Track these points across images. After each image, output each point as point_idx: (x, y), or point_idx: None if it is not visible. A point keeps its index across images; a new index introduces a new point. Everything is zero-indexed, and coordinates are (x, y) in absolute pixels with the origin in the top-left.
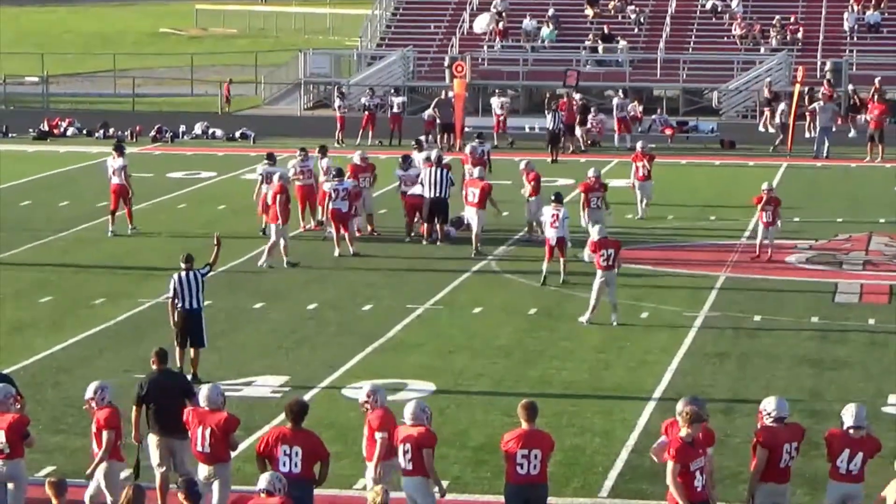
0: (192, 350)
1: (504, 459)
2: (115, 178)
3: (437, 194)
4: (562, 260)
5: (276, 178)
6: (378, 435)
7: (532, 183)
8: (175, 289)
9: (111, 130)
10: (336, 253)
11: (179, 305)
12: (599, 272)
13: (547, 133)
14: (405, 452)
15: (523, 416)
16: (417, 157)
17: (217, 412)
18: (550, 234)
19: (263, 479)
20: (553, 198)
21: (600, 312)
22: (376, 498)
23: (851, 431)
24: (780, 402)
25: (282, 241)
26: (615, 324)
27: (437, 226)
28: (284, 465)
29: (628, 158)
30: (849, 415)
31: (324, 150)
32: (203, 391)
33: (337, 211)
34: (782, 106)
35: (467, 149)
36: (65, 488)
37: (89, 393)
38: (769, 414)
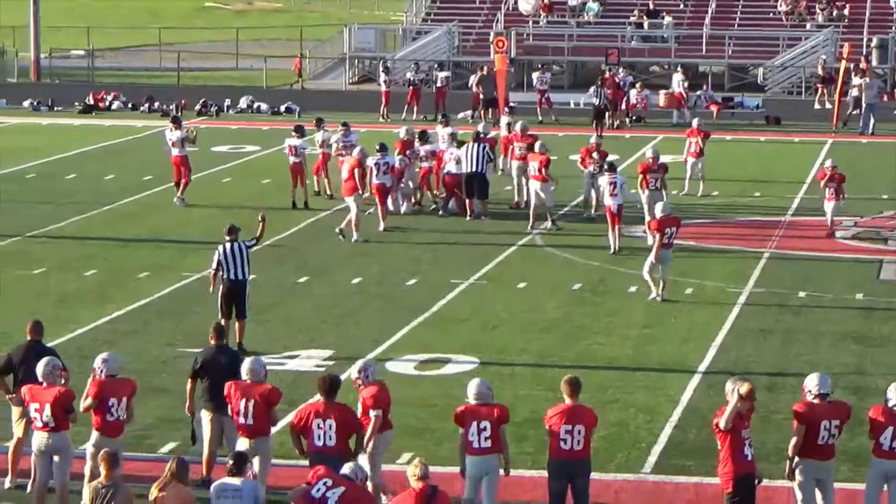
0: (237, 321)
1: (547, 435)
2: (174, 150)
3: (475, 169)
4: (617, 228)
5: (355, 151)
6: (373, 413)
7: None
8: (220, 260)
9: (156, 104)
10: (381, 227)
11: (224, 276)
12: (654, 250)
13: (592, 109)
14: (481, 430)
15: (566, 392)
16: (441, 131)
17: (260, 385)
18: (610, 203)
19: (347, 467)
20: (607, 167)
21: (644, 288)
22: (416, 470)
23: (894, 408)
24: (822, 378)
25: (355, 216)
26: (660, 299)
27: (477, 202)
28: (319, 438)
29: (675, 134)
30: (893, 391)
31: (319, 123)
32: (246, 363)
33: (381, 185)
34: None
35: (517, 126)
36: (117, 461)
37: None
38: (810, 391)
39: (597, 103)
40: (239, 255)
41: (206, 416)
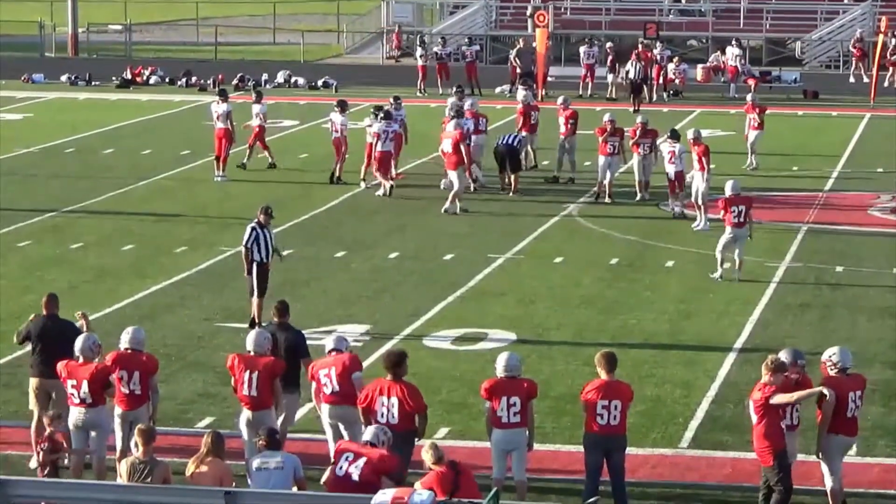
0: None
1: (584, 410)
2: (219, 123)
3: (507, 143)
4: (680, 195)
5: (452, 125)
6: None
7: (568, 122)
8: (253, 240)
9: (194, 79)
10: (380, 192)
11: (256, 258)
12: (728, 229)
13: (629, 83)
14: (510, 405)
15: (602, 367)
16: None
17: (263, 357)
18: (669, 169)
19: (369, 432)
20: (669, 134)
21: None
22: (430, 457)
23: None
24: (843, 352)
25: (457, 187)
26: (739, 279)
27: (509, 175)
28: (382, 416)
29: (713, 107)
30: None
31: (259, 95)
32: (251, 336)
33: (386, 153)
34: None
35: (559, 100)
36: (153, 436)
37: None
38: (834, 364)
39: (633, 77)
40: (269, 239)
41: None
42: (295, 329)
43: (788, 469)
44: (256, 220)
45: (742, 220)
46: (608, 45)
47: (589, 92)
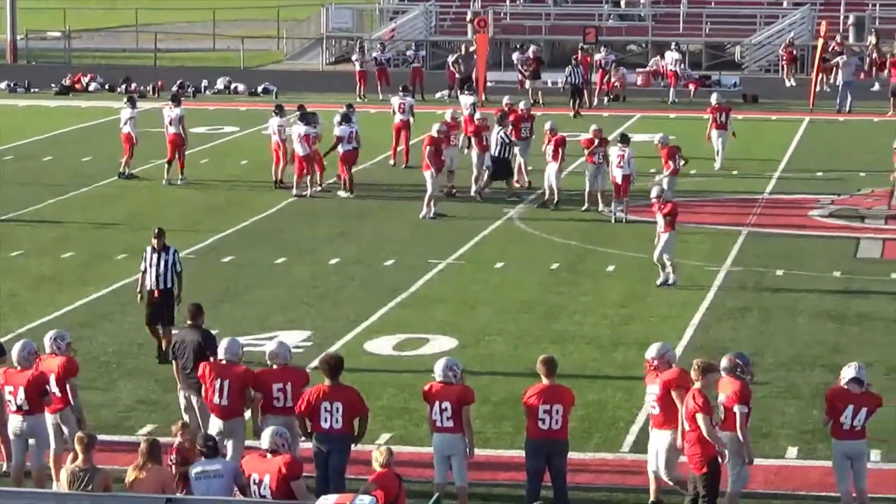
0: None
1: (525, 414)
2: (171, 128)
3: (500, 154)
4: (624, 200)
5: (434, 129)
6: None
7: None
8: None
9: (133, 85)
10: (343, 194)
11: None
12: (673, 233)
13: (570, 88)
14: (443, 410)
15: (543, 371)
16: (394, 100)
17: (235, 365)
18: (616, 173)
19: (265, 439)
20: (619, 139)
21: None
22: (379, 457)
23: (850, 386)
24: (851, 367)
25: (429, 191)
26: (659, 283)
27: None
28: (325, 421)
29: (652, 112)
30: (850, 369)
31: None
32: (223, 344)
33: (351, 153)
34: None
35: (521, 104)
36: (93, 444)
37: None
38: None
39: (574, 82)
40: (168, 263)
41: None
42: (205, 331)
43: (718, 477)
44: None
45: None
46: (532, 49)
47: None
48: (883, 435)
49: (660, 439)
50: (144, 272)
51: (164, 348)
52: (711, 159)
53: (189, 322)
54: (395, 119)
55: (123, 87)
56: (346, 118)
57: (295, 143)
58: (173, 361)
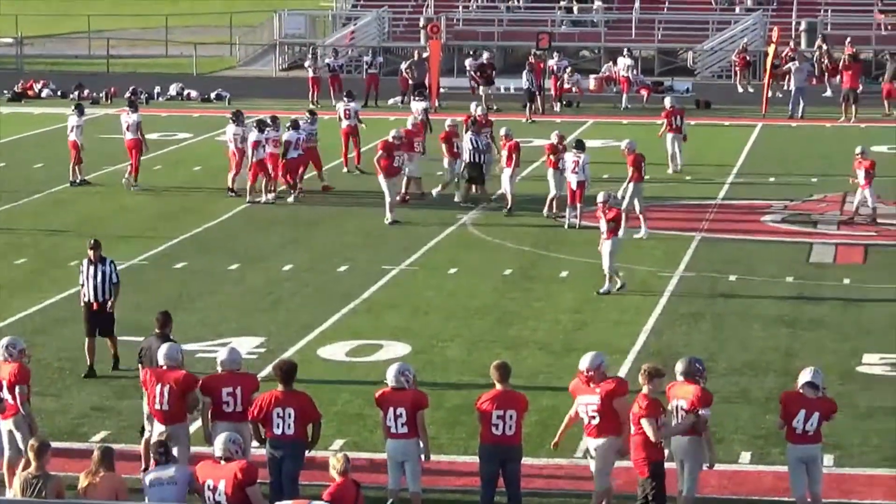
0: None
1: (479, 420)
2: (129, 134)
3: (482, 159)
4: (578, 206)
5: (391, 134)
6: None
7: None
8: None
9: (86, 92)
10: (291, 199)
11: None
12: (616, 240)
13: (525, 93)
14: (397, 416)
15: (496, 377)
16: (340, 106)
17: (175, 370)
18: (571, 179)
19: (219, 445)
20: (574, 144)
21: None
22: (337, 464)
23: (805, 391)
24: (806, 371)
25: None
26: (601, 292)
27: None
28: (278, 427)
29: (605, 118)
30: (806, 373)
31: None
32: (162, 349)
33: (294, 160)
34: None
35: (478, 110)
36: (45, 450)
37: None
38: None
39: (528, 87)
40: (105, 275)
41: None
42: (172, 340)
43: (662, 480)
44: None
45: (610, 230)
46: (485, 56)
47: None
48: (835, 439)
49: (594, 447)
50: (82, 285)
51: (115, 355)
52: (664, 164)
53: (157, 330)
54: (342, 125)
55: (76, 93)
56: (294, 124)
57: (248, 150)
58: (139, 367)
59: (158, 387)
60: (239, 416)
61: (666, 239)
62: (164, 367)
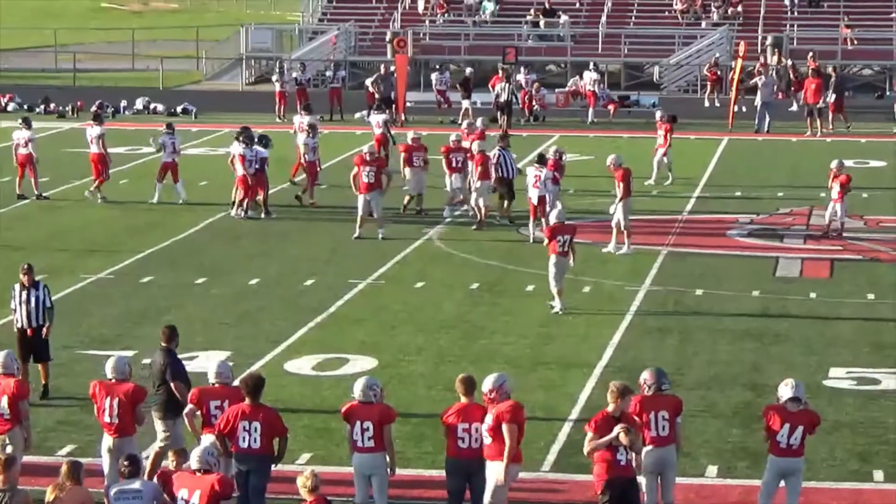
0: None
1: (445, 434)
2: (93, 147)
3: (512, 175)
4: (543, 220)
5: (365, 151)
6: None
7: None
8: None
9: (52, 106)
10: (263, 215)
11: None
12: (553, 257)
13: (501, 104)
14: (364, 430)
15: (461, 391)
16: (296, 119)
17: (124, 383)
18: (532, 194)
19: (195, 459)
20: (536, 159)
21: (548, 289)
22: (307, 482)
23: (790, 405)
24: (786, 385)
25: (360, 211)
26: (561, 311)
27: (507, 203)
28: (244, 440)
29: (573, 133)
30: (787, 389)
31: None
32: (110, 362)
33: (257, 177)
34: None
35: (467, 125)
36: (12, 464)
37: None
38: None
39: (506, 98)
40: (37, 299)
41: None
42: (174, 355)
43: (617, 499)
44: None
45: (565, 249)
46: (468, 71)
47: (451, 118)
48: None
49: (490, 470)
50: (14, 311)
51: (45, 384)
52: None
53: (163, 344)
54: (297, 139)
55: (42, 106)
56: (261, 139)
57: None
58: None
59: (108, 400)
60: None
61: (632, 253)
62: (113, 380)
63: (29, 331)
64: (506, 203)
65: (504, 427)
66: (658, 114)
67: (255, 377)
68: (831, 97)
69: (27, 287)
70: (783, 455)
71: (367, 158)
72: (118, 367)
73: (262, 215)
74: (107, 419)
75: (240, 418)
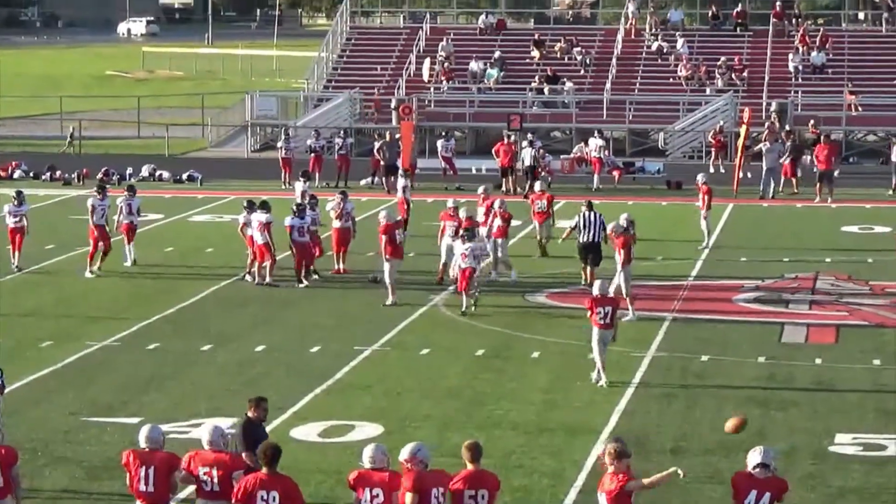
0: None
1: (451, 500)
2: (95, 219)
3: (594, 239)
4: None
5: (382, 216)
6: None
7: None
8: None
9: (58, 173)
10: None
11: None
12: (595, 330)
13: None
14: (373, 497)
15: (467, 458)
16: (298, 186)
17: (158, 451)
18: (463, 265)
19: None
20: (466, 235)
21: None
22: None
23: (757, 471)
24: (755, 452)
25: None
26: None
27: (590, 269)
28: None
29: (574, 199)
30: (755, 455)
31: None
32: (143, 431)
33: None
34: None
35: (480, 189)
36: None
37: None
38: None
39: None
40: None
41: None
42: (258, 424)
43: None
44: None
45: (609, 321)
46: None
47: (456, 185)
48: None
49: None
50: None
51: None
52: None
53: (250, 414)
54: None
55: (48, 174)
56: (262, 205)
57: (254, 231)
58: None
59: (143, 469)
60: (216, 495)
61: (638, 319)
62: (147, 449)
63: None
64: (589, 269)
65: (408, 496)
66: (699, 177)
67: (273, 446)
68: (787, 159)
69: None
70: None
71: (394, 225)
72: (152, 436)
73: (314, 277)
74: (142, 488)
75: (258, 487)
